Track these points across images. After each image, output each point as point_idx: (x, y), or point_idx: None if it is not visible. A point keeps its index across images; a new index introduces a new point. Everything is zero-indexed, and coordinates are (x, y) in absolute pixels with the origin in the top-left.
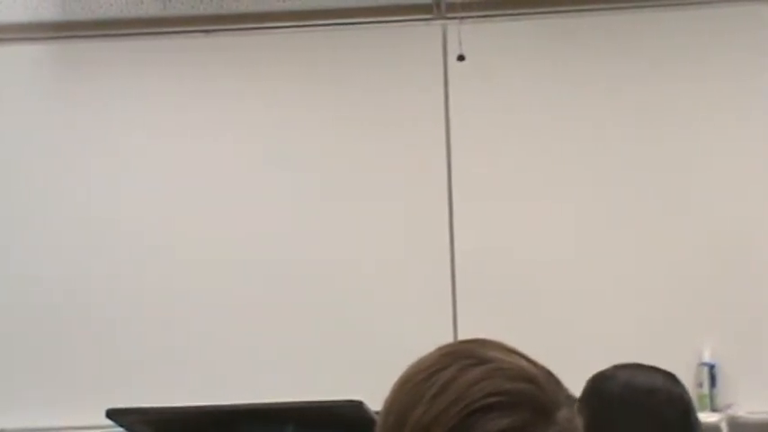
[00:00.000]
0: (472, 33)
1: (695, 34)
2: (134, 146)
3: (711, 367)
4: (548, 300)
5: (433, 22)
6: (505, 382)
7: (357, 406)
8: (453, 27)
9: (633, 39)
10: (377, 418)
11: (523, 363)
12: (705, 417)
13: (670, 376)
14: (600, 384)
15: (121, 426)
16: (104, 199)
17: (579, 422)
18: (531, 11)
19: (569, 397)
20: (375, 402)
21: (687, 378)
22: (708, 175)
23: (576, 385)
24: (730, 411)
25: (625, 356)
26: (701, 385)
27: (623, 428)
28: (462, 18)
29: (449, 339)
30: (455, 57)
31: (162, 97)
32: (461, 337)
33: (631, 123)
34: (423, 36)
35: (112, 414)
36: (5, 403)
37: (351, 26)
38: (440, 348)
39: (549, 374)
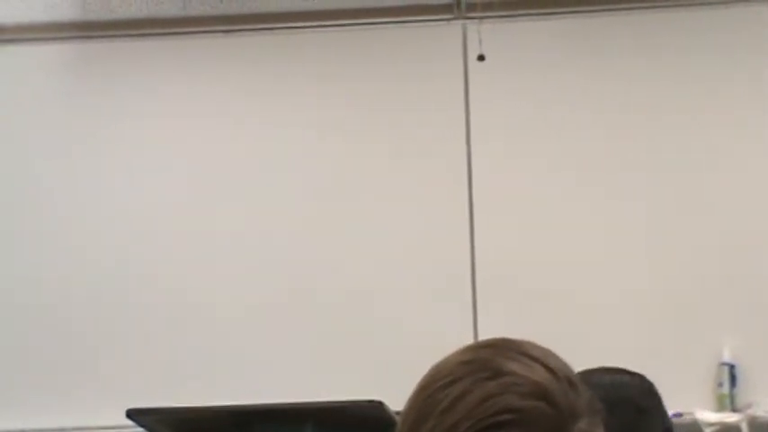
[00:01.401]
0: (492, 33)
1: (717, 33)
2: (153, 146)
3: (732, 367)
4: (566, 299)
5: (454, 21)
6: (517, 399)
7: (377, 406)
8: (473, 27)
9: (654, 38)
10: (397, 418)
11: (541, 374)
12: (725, 417)
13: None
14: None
15: (141, 425)
16: (121, 198)
17: (600, 431)
18: (551, 11)
19: (592, 405)
20: (396, 402)
21: (707, 378)
22: (727, 173)
23: None
24: (750, 411)
25: (644, 356)
26: (721, 385)
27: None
28: (482, 18)
29: (469, 340)
30: (475, 56)
31: (181, 97)
32: (482, 338)
33: (652, 123)
34: (443, 36)
35: (133, 414)
36: (22, 403)
37: (371, 26)
38: (461, 352)
39: (570, 384)
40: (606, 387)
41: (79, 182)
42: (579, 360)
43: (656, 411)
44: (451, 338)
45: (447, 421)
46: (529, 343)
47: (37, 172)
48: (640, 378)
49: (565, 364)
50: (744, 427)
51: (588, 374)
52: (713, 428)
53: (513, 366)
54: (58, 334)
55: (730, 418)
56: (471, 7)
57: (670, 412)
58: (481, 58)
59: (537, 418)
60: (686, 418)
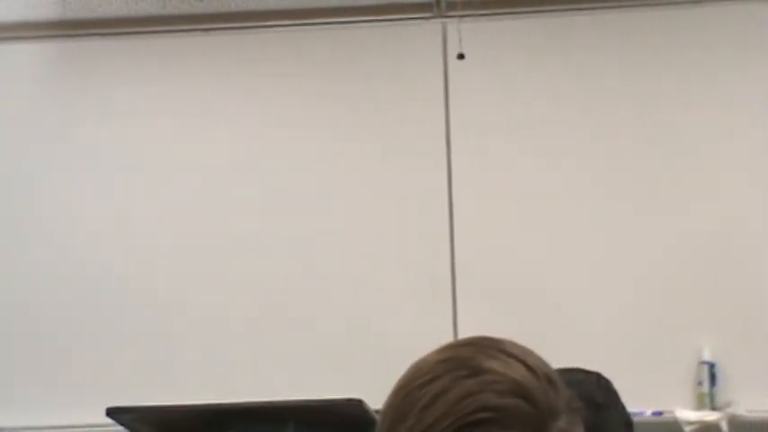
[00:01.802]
0: (472, 32)
1: (697, 31)
2: (135, 145)
3: (711, 366)
4: (546, 298)
5: (433, 20)
6: (496, 397)
7: (357, 404)
8: (453, 25)
9: (633, 36)
10: (377, 416)
11: (521, 372)
12: (705, 415)
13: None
14: None
15: (121, 424)
16: (103, 197)
17: (580, 429)
18: (532, 9)
19: (571, 404)
20: (376, 401)
21: (687, 377)
22: (708, 172)
23: None
24: (730, 410)
25: (625, 355)
26: (700, 384)
27: None
28: (462, 16)
29: (449, 338)
30: (455, 55)
31: (161, 96)
32: (461, 336)
33: (632, 121)
34: (422, 34)
35: (112, 412)
36: (4, 401)
37: (350, 24)
38: (440, 350)
39: (550, 382)
40: None
41: (60, 181)
42: (559, 359)
43: (615, 407)
44: (431, 337)
45: (426, 419)
46: (508, 341)
47: (17, 171)
48: (597, 375)
49: (544, 363)
50: (723, 425)
51: None
52: (693, 427)
53: (492, 364)
54: (37, 332)
55: (710, 416)
56: (451, 6)
57: (650, 411)
58: (461, 56)
59: (516, 416)
60: (666, 417)
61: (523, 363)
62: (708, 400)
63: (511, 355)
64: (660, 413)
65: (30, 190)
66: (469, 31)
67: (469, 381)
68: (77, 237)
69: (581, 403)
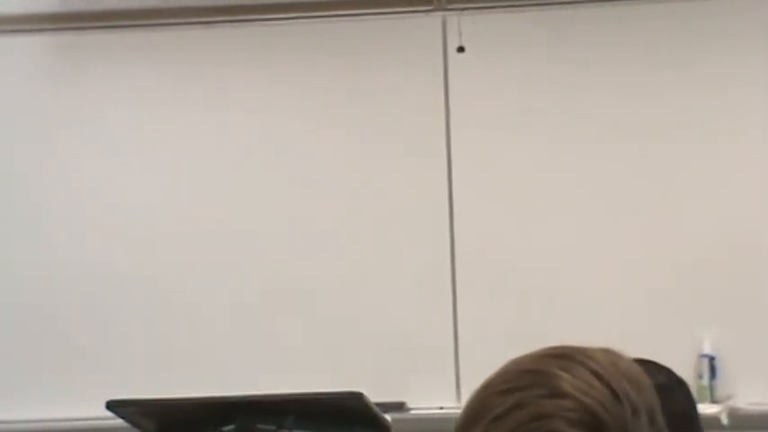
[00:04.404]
0: (472, 25)
1: (697, 26)
2: (134, 137)
3: (711, 359)
4: (548, 292)
5: (433, 13)
6: (566, 425)
7: (357, 397)
8: (453, 18)
9: (634, 30)
10: (377, 409)
11: (601, 399)
12: (705, 408)
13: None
14: None
15: (122, 417)
16: (103, 191)
17: None
18: (531, 2)
19: (654, 424)
20: (375, 394)
21: (687, 370)
22: (710, 167)
23: None
24: (730, 403)
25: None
26: (701, 377)
27: None
28: (462, 9)
29: (449, 333)
30: (455, 48)
31: (161, 89)
32: (461, 330)
33: (632, 115)
34: (422, 28)
35: (113, 405)
36: (4, 395)
37: (350, 18)
38: (530, 359)
39: (634, 411)
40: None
41: (59, 174)
42: None
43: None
44: (431, 332)
45: (494, 431)
46: (603, 355)
47: (16, 163)
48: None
49: (640, 389)
50: (723, 418)
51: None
52: None
53: (571, 386)
54: (39, 327)
55: (710, 409)
56: None
57: None
58: (461, 49)
59: None
60: None
61: (609, 386)
62: (708, 393)
63: (598, 376)
64: None
65: (28, 183)
66: (469, 25)
67: (545, 402)
68: (78, 230)
69: (661, 425)
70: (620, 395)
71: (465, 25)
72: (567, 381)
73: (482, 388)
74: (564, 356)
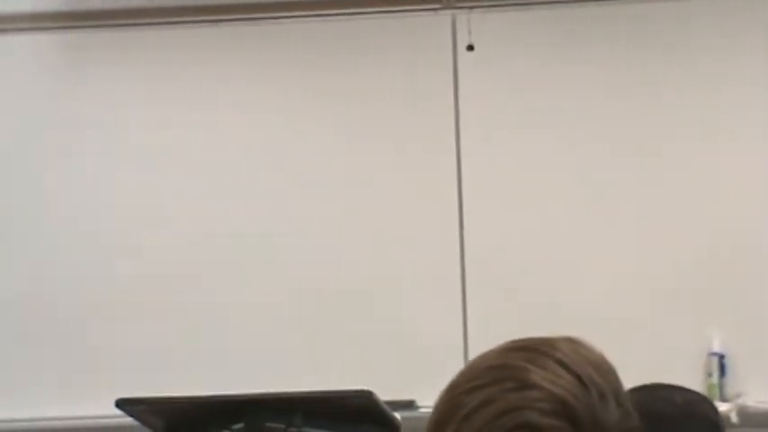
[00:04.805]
0: (481, 23)
1: (709, 24)
2: (142, 136)
3: (721, 357)
4: (557, 291)
5: (443, 11)
6: (538, 415)
7: (366, 396)
8: (462, 17)
9: (643, 28)
10: (386, 408)
11: (569, 388)
12: None
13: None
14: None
15: (131, 415)
16: (110, 187)
17: None
18: (540, 0)
19: (623, 423)
20: (384, 392)
21: (697, 368)
22: (718, 164)
23: None
24: (740, 401)
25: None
26: (710, 375)
27: None
28: (471, 8)
29: (458, 332)
30: (464, 47)
31: (169, 88)
32: (470, 328)
33: (641, 113)
34: (432, 26)
35: (122, 404)
36: (15, 393)
37: (359, 16)
38: (496, 353)
39: (601, 397)
40: (679, 404)
41: (67, 172)
42: None
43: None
44: (440, 330)
45: (465, 429)
46: (566, 345)
47: (23, 161)
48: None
49: (604, 374)
50: (733, 416)
51: (653, 390)
52: None
53: (540, 377)
54: (47, 323)
55: (719, 408)
56: None
57: None
58: (470, 48)
59: None
60: None
61: (575, 375)
62: (717, 391)
63: (564, 366)
64: None
65: (35, 180)
66: (479, 23)
67: (514, 395)
68: (86, 226)
69: (638, 422)
70: (587, 382)
71: (474, 23)
72: (534, 373)
73: (449, 388)
74: (528, 349)
